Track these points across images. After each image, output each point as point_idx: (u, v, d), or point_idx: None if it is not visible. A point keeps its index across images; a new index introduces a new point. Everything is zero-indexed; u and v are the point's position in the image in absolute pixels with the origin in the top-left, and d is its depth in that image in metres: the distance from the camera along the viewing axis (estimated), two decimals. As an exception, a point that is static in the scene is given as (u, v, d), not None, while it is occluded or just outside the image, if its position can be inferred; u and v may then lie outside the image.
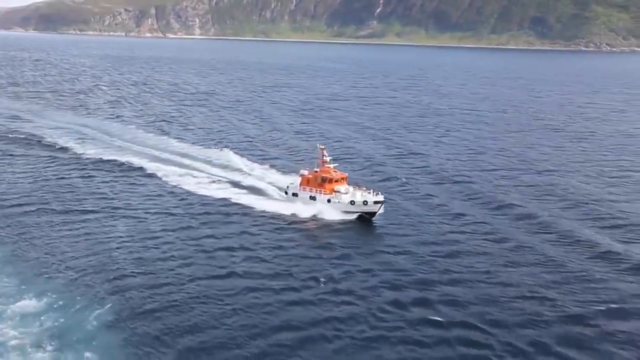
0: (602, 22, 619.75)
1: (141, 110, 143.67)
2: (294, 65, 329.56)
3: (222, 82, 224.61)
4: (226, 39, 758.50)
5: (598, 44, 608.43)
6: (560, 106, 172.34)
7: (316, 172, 70.70)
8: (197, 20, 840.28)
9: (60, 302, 44.66)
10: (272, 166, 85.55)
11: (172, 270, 51.04)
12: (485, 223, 64.44)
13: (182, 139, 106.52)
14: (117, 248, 55.58)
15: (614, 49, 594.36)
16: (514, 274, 51.35)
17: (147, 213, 65.96)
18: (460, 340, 40.68)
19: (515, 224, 65.05)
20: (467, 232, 61.63)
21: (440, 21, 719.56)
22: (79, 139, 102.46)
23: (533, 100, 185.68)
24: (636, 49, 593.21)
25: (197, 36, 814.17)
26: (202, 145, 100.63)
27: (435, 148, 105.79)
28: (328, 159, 71.51)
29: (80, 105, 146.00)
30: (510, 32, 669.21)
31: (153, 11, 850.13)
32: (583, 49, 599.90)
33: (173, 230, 60.72)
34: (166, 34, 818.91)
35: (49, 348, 38.94)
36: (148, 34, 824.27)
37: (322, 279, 49.54)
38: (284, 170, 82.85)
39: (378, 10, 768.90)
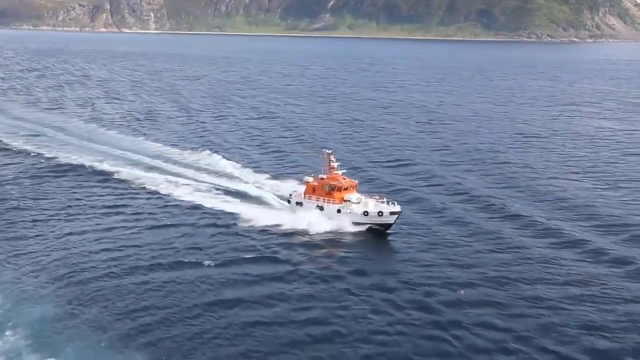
0: (543, 13, 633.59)
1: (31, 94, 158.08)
2: (213, 56, 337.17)
3: (122, 70, 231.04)
4: (181, 34, 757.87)
5: (539, 34, 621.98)
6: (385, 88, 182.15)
7: (322, 179, 62.95)
8: (152, 14, 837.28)
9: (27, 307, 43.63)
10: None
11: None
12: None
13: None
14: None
15: (554, 40, 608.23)
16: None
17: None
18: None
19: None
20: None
21: (390, 14, 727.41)
22: None
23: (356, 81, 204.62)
24: (575, 39, 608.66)
25: (152, 31, 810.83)
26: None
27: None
28: (336, 164, 63.65)
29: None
30: (458, 24, 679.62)
31: (107, 6, 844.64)
32: (525, 39, 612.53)
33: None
34: (121, 29, 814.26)
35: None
36: (103, 29, 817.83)
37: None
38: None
39: (331, 4, 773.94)
